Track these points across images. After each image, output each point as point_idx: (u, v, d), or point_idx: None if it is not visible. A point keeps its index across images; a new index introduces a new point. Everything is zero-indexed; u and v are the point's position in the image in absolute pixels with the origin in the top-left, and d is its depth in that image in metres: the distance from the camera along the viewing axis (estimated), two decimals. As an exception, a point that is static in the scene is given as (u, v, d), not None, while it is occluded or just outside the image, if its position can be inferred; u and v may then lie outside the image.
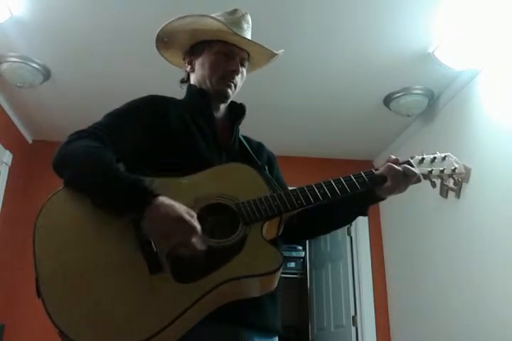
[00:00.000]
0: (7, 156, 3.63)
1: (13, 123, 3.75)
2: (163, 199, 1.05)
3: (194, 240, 1.03)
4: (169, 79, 3.62)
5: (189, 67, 1.48)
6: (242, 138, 1.44)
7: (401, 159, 1.31)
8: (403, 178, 1.24)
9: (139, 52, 2.99)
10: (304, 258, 5.31)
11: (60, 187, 1.14)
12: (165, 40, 1.48)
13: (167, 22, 1.44)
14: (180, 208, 1.05)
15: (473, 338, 2.83)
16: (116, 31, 2.81)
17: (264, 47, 1.43)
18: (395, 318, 3.95)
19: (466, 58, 2.90)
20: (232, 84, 1.40)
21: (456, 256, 3.09)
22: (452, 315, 3.09)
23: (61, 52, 3.01)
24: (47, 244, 1.04)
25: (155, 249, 1.04)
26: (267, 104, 3.48)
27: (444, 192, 3.12)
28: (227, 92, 1.39)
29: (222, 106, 1.44)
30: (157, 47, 1.51)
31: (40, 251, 1.03)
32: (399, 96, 3.37)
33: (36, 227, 1.06)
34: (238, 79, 1.41)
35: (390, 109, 3.52)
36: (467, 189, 2.93)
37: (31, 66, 3.06)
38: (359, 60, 3.04)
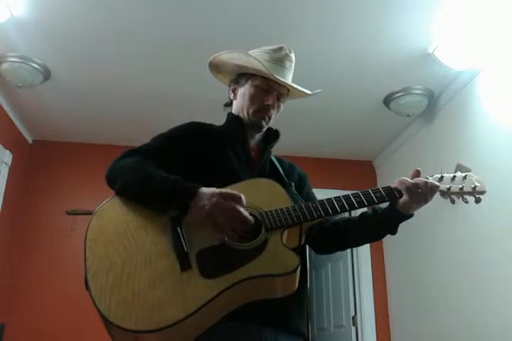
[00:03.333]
0: (7, 156, 3.63)
1: (13, 123, 3.75)
2: (205, 188, 1.22)
3: (241, 209, 1.18)
4: (169, 78, 3.62)
5: (232, 94, 1.61)
6: (274, 159, 1.58)
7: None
8: (416, 189, 1.31)
9: (139, 52, 2.99)
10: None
11: (111, 197, 1.31)
12: (216, 67, 1.62)
13: (216, 54, 1.58)
14: (220, 189, 1.21)
15: (474, 338, 2.83)
16: (116, 31, 2.81)
17: (299, 89, 1.56)
18: (394, 318, 3.95)
19: (466, 58, 2.90)
20: (267, 117, 1.54)
21: (456, 256, 3.10)
22: (452, 314, 3.09)
23: (61, 52, 3.01)
24: (96, 242, 1.21)
25: (186, 249, 1.18)
26: (267, 104, 3.48)
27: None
28: (261, 124, 1.53)
29: (257, 133, 1.57)
30: (210, 70, 1.64)
31: (89, 248, 1.19)
32: (399, 96, 3.37)
33: (88, 230, 1.23)
34: (273, 112, 1.55)
35: (390, 109, 3.52)
36: (467, 189, 2.93)
37: (31, 66, 3.06)
38: (359, 60, 3.04)
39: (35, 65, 3.07)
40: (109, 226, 1.24)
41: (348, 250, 4.23)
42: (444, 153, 3.26)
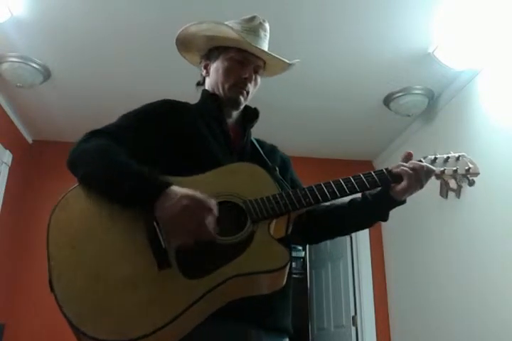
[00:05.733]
0: (7, 156, 3.63)
1: (13, 123, 3.75)
2: (176, 187, 1.08)
3: (213, 217, 1.05)
4: (169, 78, 3.63)
5: (204, 71, 1.49)
6: (254, 141, 1.46)
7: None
8: (414, 174, 1.22)
9: (139, 51, 2.99)
10: (304, 258, 5.32)
11: (75, 185, 1.16)
12: (184, 43, 1.50)
13: (184, 27, 1.45)
14: (193, 191, 1.08)
15: (474, 338, 2.83)
16: (116, 31, 2.81)
17: (277, 57, 1.43)
18: (394, 318, 3.95)
19: (466, 58, 2.90)
20: (245, 92, 1.41)
21: (456, 255, 3.10)
22: (452, 314, 3.09)
23: (61, 52, 3.01)
24: (60, 238, 1.08)
25: (164, 245, 1.06)
26: (266, 103, 3.46)
27: (444, 192, 3.12)
28: (239, 99, 1.40)
29: (235, 111, 1.45)
30: (178, 49, 1.52)
31: (53, 245, 1.08)
32: (399, 96, 3.37)
33: (50, 223, 1.10)
34: (251, 86, 1.42)
35: (390, 109, 3.52)
36: (467, 189, 2.93)
37: (31, 66, 3.06)
38: (359, 60, 3.04)
39: (35, 65, 3.07)
40: (75, 219, 1.10)
41: (348, 250, 4.23)
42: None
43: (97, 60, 3.08)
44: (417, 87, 3.30)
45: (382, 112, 3.59)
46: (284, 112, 3.66)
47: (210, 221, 1.05)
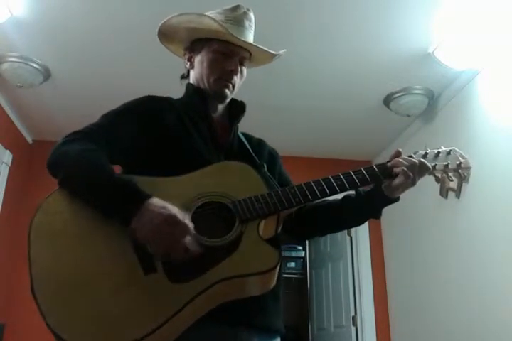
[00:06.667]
0: (7, 156, 3.63)
1: (13, 123, 3.75)
2: (156, 201, 1.04)
3: (187, 240, 1.01)
4: (169, 78, 3.63)
5: (188, 63, 1.44)
6: (241, 136, 1.41)
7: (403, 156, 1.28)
8: (405, 171, 1.19)
9: (139, 51, 2.99)
10: (304, 258, 5.32)
11: (56, 188, 1.15)
12: (166, 35, 1.46)
13: (165, 19, 1.43)
14: (173, 209, 1.03)
15: (474, 338, 2.83)
16: (116, 31, 2.81)
17: (262, 49, 1.39)
18: (394, 318, 3.95)
19: (466, 58, 2.90)
20: (230, 85, 1.36)
21: (456, 255, 3.09)
22: (452, 314, 3.09)
23: (61, 52, 3.01)
24: (42, 244, 1.04)
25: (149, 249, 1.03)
26: (266, 104, 3.48)
27: (444, 192, 3.12)
28: (224, 93, 1.36)
29: (221, 105, 1.41)
30: (160, 41, 1.48)
31: (35, 251, 1.03)
32: (399, 96, 3.37)
33: (32, 228, 1.06)
34: (237, 79, 1.37)
35: (390, 109, 3.52)
36: (467, 189, 2.93)
37: (31, 66, 3.06)
38: (359, 60, 3.04)
39: (35, 65, 3.07)
40: (56, 223, 1.06)
41: (348, 250, 4.23)
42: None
43: (97, 60, 3.08)
44: (417, 87, 3.30)
45: (382, 112, 3.58)
46: (284, 112, 3.66)
47: (184, 241, 1.00)
